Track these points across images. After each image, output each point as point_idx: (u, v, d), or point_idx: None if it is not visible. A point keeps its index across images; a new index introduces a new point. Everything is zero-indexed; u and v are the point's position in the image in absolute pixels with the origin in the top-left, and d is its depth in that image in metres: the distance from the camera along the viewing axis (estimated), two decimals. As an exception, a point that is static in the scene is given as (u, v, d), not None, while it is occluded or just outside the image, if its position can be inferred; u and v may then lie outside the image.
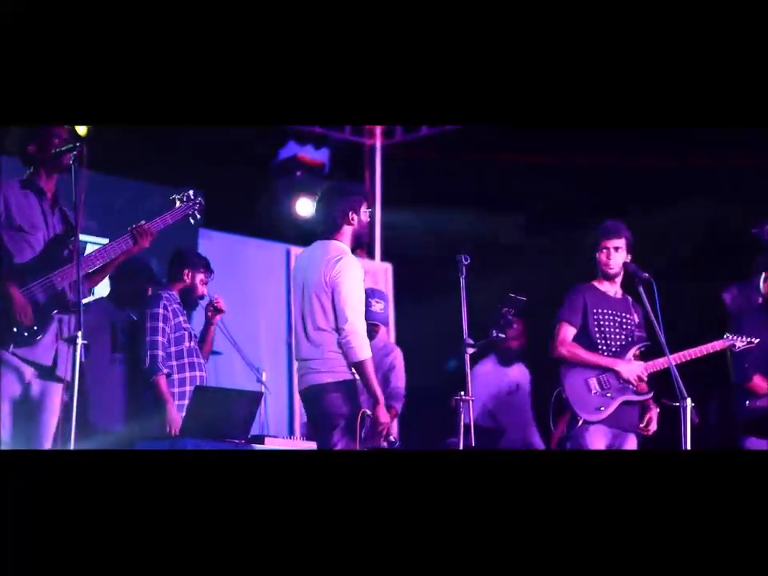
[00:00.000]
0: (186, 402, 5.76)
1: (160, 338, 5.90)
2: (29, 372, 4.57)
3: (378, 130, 9.79)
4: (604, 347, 5.86)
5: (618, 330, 5.89)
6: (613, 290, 5.94)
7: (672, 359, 5.44)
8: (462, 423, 5.55)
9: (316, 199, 5.27)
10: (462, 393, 5.54)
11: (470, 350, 5.61)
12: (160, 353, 5.89)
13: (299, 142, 9.45)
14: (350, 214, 5.14)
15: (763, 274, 6.34)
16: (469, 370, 5.57)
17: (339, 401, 4.94)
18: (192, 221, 5.07)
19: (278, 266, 8.67)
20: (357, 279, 5.04)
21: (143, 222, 4.85)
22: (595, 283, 5.97)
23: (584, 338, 5.87)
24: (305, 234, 9.33)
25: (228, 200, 8.79)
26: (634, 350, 5.89)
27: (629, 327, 5.91)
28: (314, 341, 5.04)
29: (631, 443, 5.82)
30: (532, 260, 8.84)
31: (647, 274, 5.49)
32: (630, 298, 5.98)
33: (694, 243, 8.28)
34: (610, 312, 5.90)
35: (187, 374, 6.01)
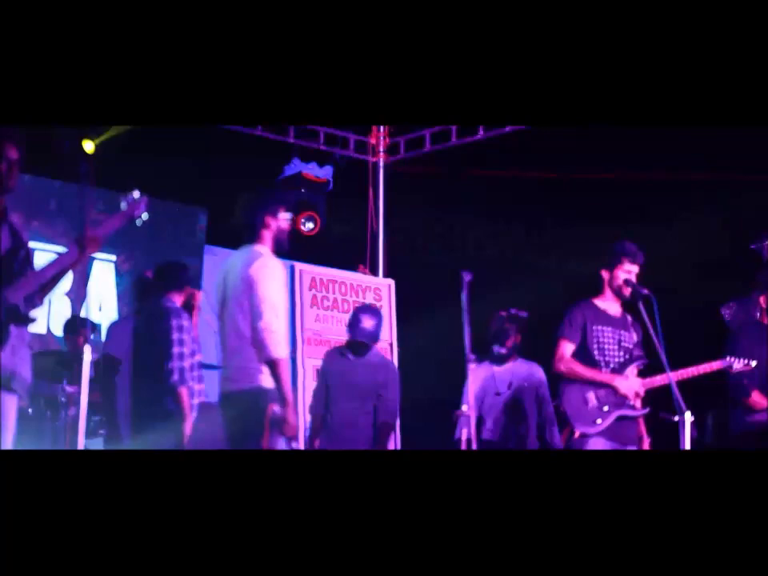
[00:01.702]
0: (195, 413, 5.83)
1: (186, 350, 5.96)
2: None
3: (381, 147, 9.87)
4: (603, 364, 5.88)
5: (616, 348, 5.92)
6: (613, 307, 5.97)
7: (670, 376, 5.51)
8: (464, 437, 5.62)
9: (239, 199, 5.30)
10: (465, 407, 5.61)
11: (473, 366, 5.68)
12: (186, 364, 5.94)
13: (303, 160, 9.54)
14: (267, 218, 5.14)
15: (763, 289, 6.35)
16: (471, 386, 5.63)
17: (257, 407, 4.87)
18: (138, 223, 4.83)
19: (282, 281, 8.72)
20: (275, 279, 5.00)
21: (88, 229, 4.61)
22: (595, 300, 5.99)
23: (583, 355, 5.90)
24: (309, 250, 9.46)
25: (232, 217, 8.87)
26: (631, 368, 5.94)
27: (627, 345, 5.95)
28: (232, 347, 5.00)
29: None
30: (535, 274, 8.90)
31: (647, 290, 5.53)
32: (629, 316, 6.00)
33: (693, 258, 8.32)
34: (609, 330, 5.93)
35: (196, 387, 6.08)
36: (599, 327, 5.90)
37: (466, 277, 5.65)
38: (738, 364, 5.96)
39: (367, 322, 6.67)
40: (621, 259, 5.86)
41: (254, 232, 5.14)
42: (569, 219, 8.81)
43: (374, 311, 6.89)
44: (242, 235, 5.21)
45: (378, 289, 9.19)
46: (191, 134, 8.37)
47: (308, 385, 8.43)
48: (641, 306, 5.47)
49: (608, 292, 5.93)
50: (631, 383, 5.82)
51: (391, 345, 9.00)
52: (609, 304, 5.94)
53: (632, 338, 5.96)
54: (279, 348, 4.89)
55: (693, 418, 5.04)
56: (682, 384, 5.47)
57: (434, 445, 7.46)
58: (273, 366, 4.87)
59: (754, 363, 5.97)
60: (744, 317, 6.68)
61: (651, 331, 5.36)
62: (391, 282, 9.34)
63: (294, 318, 8.69)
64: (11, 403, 4.53)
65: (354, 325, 6.71)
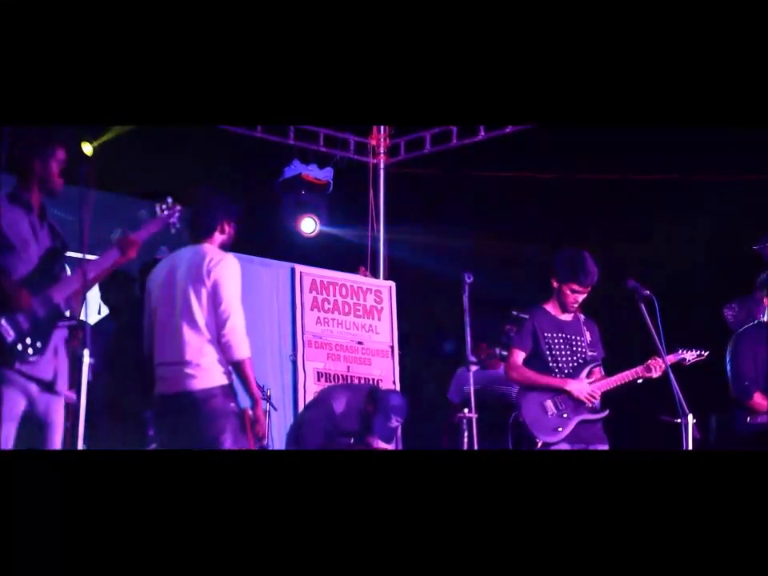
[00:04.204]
0: None
1: None
2: (33, 389, 4.56)
3: (382, 148, 9.85)
4: (556, 369, 5.92)
5: (568, 353, 5.95)
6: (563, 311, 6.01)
7: (624, 376, 5.62)
8: (466, 440, 5.59)
9: (194, 203, 5.24)
10: (466, 410, 5.59)
11: (474, 368, 5.67)
12: None
13: (304, 161, 9.53)
14: (224, 223, 5.18)
15: (765, 290, 6.33)
16: (472, 389, 5.61)
17: (221, 405, 4.87)
18: (173, 229, 5.03)
19: (282, 284, 8.71)
20: (237, 279, 5.02)
21: (129, 232, 4.84)
22: (546, 305, 6.03)
23: (537, 362, 5.94)
24: (310, 252, 9.44)
25: (189, 210, 8.83)
26: (586, 371, 5.94)
27: (580, 348, 5.98)
28: (191, 343, 4.94)
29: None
30: (536, 275, 8.87)
31: (648, 291, 5.51)
32: (582, 316, 6.04)
33: (695, 259, 8.30)
34: (560, 336, 5.96)
35: None
36: (550, 334, 5.94)
37: (468, 278, 5.63)
38: (690, 356, 5.98)
39: (396, 423, 6.47)
40: (570, 278, 5.87)
41: (209, 232, 5.15)
42: (571, 220, 8.79)
43: (402, 412, 6.57)
44: (193, 231, 5.18)
45: (379, 291, 9.17)
46: (191, 137, 8.37)
47: (309, 387, 8.40)
48: (642, 307, 5.46)
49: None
50: (583, 386, 5.83)
51: (392, 348, 8.97)
52: (559, 309, 5.97)
53: (585, 339, 5.99)
54: (244, 348, 4.93)
55: (695, 420, 5.03)
56: (684, 385, 5.45)
57: (435, 447, 7.44)
58: (239, 366, 4.91)
59: (706, 353, 6.00)
60: (746, 317, 6.65)
61: (653, 332, 5.35)
62: (392, 283, 9.31)
63: (295, 320, 8.66)
64: (59, 405, 4.62)
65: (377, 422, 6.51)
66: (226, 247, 5.20)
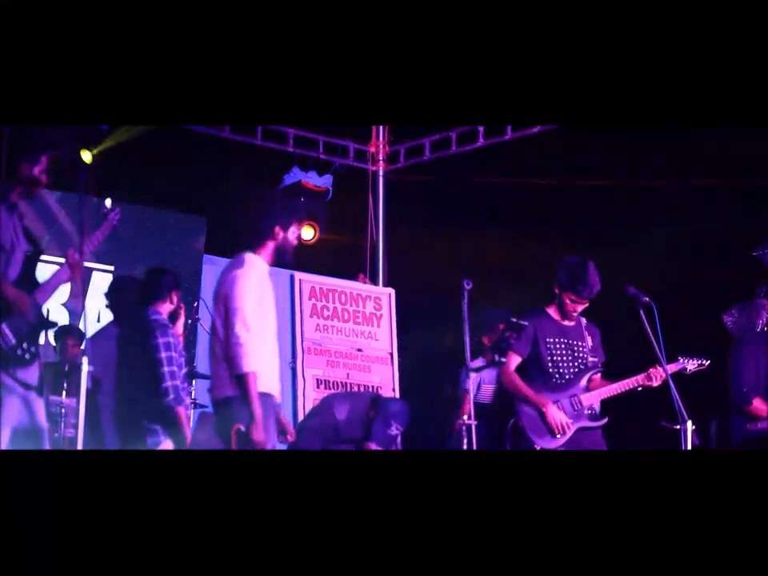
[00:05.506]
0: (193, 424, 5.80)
1: (175, 368, 5.89)
2: (20, 392, 4.53)
3: (381, 155, 9.86)
4: (557, 375, 5.90)
5: (570, 359, 5.92)
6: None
7: (624, 384, 5.61)
8: (466, 447, 5.58)
9: (247, 203, 5.17)
10: (466, 417, 5.58)
11: (473, 375, 5.67)
12: (178, 382, 5.87)
13: (303, 169, 9.54)
14: (277, 229, 5.02)
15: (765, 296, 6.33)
16: (472, 395, 5.61)
17: (233, 415, 4.85)
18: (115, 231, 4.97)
19: (282, 291, 8.71)
20: (249, 291, 4.90)
21: (75, 253, 4.68)
22: (549, 309, 6.02)
23: (536, 367, 5.92)
24: (309, 259, 9.44)
25: (232, 226, 8.84)
26: (586, 378, 5.93)
27: (581, 354, 5.95)
28: (214, 355, 4.99)
29: None
30: (535, 282, 8.87)
31: (648, 298, 5.50)
32: (583, 320, 6.02)
33: (694, 265, 8.30)
34: (562, 341, 5.93)
35: (188, 401, 6.03)
36: (552, 340, 5.91)
37: (467, 285, 5.63)
38: (691, 365, 5.97)
39: (395, 430, 6.45)
40: (570, 288, 5.87)
41: (259, 240, 5.04)
42: (570, 226, 8.79)
43: (404, 420, 6.56)
44: (242, 240, 5.08)
45: (379, 298, 9.17)
46: (191, 143, 8.38)
47: (308, 394, 8.40)
48: (642, 314, 5.45)
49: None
50: (559, 416, 5.79)
51: (391, 354, 8.97)
52: (561, 314, 5.97)
53: (586, 344, 5.97)
54: (247, 362, 4.83)
55: (694, 427, 5.02)
56: (683, 391, 5.45)
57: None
58: (241, 379, 4.83)
59: (707, 362, 5.99)
60: (746, 323, 6.65)
61: (652, 339, 5.34)
62: (391, 290, 9.31)
63: (294, 327, 8.67)
64: (41, 414, 4.57)
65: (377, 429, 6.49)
66: (285, 253, 5.08)
